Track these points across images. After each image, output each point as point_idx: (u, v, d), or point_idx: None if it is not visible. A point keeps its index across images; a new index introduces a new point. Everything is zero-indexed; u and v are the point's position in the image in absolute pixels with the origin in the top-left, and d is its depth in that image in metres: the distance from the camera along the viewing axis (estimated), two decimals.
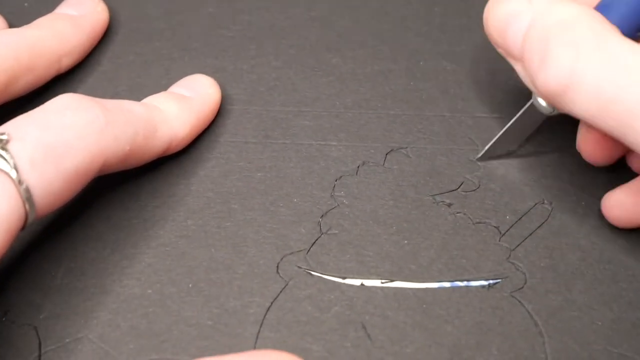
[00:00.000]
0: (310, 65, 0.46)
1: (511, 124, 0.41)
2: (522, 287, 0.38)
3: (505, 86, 0.45)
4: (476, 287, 0.38)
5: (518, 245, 0.39)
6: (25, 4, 0.49)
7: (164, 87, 0.44)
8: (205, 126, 0.44)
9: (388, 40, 0.47)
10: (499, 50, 0.39)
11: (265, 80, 0.46)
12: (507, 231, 0.39)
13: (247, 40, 0.47)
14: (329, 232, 0.40)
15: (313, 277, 0.38)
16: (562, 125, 0.42)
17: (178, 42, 0.47)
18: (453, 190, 0.41)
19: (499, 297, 0.38)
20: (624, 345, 0.36)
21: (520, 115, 0.41)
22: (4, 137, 0.35)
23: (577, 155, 0.42)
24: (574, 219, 0.40)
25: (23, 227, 0.35)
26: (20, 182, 0.34)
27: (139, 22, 0.48)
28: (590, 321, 0.37)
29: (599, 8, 0.36)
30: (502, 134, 0.42)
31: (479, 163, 0.42)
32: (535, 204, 0.40)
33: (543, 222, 0.40)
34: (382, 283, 0.38)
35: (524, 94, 0.42)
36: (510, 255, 0.39)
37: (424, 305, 0.37)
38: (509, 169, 0.42)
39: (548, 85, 0.36)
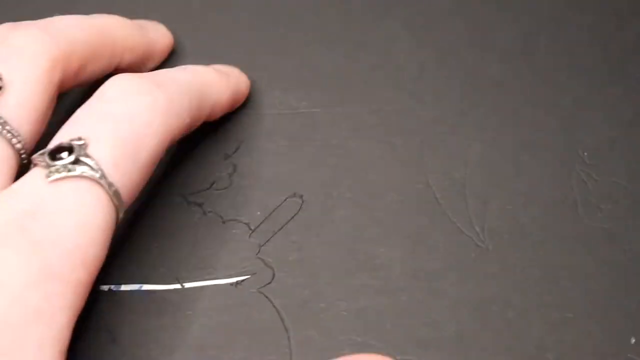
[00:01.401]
0: None
1: None
2: (270, 282, 0.39)
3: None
4: (225, 285, 0.39)
5: (268, 240, 0.40)
6: None
7: None
8: (239, 103, 0.45)
9: None
10: None
11: None
12: (257, 227, 0.40)
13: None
14: None
15: None
16: (315, 119, 0.43)
17: None
18: (205, 190, 0.42)
19: (247, 294, 0.39)
20: (369, 333, 0.38)
21: None
22: (81, 142, 0.34)
23: (332, 148, 0.43)
24: (324, 211, 0.41)
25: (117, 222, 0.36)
26: (109, 185, 0.34)
27: None
28: (337, 312, 0.38)
29: None
30: None
31: (232, 161, 0.42)
32: (286, 198, 0.41)
33: (293, 216, 0.41)
34: (119, 287, 0.38)
35: None
36: (259, 251, 0.40)
37: (172, 307, 0.38)
38: (261, 165, 0.43)
39: None
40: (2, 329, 0.31)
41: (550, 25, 0.50)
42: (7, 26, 0.39)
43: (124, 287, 0.40)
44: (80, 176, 0.34)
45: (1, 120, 0.36)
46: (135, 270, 0.40)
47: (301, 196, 0.43)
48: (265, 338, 0.39)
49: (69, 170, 0.34)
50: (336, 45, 0.49)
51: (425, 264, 0.41)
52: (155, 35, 0.47)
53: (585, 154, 0.45)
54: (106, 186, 0.35)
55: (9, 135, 0.36)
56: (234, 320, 0.39)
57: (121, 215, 0.36)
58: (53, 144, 0.35)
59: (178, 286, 0.40)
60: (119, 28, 0.44)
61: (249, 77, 0.46)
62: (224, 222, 0.42)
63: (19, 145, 0.37)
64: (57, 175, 0.34)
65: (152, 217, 0.42)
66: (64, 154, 0.34)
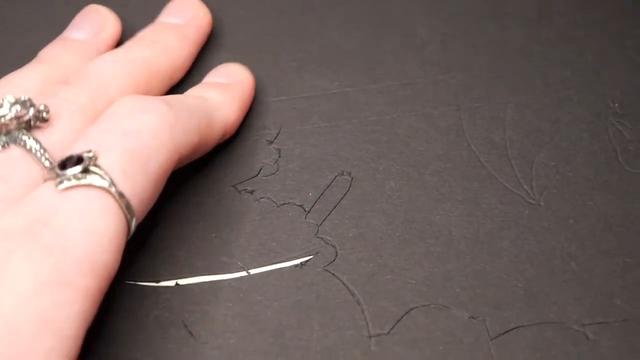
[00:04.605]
0: None
1: None
2: (334, 260, 0.39)
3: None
4: (290, 267, 0.39)
5: (324, 219, 0.41)
6: None
7: None
8: (248, 109, 0.46)
9: None
10: None
11: None
12: (312, 208, 0.41)
13: None
14: (137, 239, 0.40)
15: (127, 285, 0.39)
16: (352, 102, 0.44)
17: None
18: (253, 177, 0.42)
19: (313, 274, 0.39)
20: (439, 298, 0.38)
21: None
22: (91, 154, 0.35)
23: (371, 124, 0.44)
24: (374, 185, 0.42)
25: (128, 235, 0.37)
26: (120, 195, 0.35)
27: None
28: (405, 281, 0.39)
29: None
30: None
31: (274, 146, 0.43)
32: (336, 177, 0.42)
33: (345, 193, 0.42)
34: (186, 281, 0.39)
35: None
36: (318, 231, 0.40)
37: (241, 294, 0.38)
38: (305, 147, 0.43)
39: None
40: (12, 336, 0.31)
41: None
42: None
43: (190, 280, 0.40)
44: (90, 185, 0.35)
45: (42, 150, 0.37)
46: (199, 263, 0.40)
47: (349, 173, 0.44)
48: (339, 314, 0.39)
49: (79, 179, 0.35)
50: (357, 24, 0.50)
51: (482, 226, 0.42)
52: (196, 26, 0.48)
53: (616, 104, 0.46)
54: (115, 195, 0.35)
55: (47, 163, 0.37)
56: (305, 300, 0.40)
57: (133, 226, 0.37)
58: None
59: (244, 273, 0.40)
60: (163, 56, 0.45)
61: (277, 64, 0.47)
62: (278, 207, 0.42)
63: None
64: (66, 184, 0.35)
65: (207, 209, 0.42)
66: (74, 165, 0.35)
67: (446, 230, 0.42)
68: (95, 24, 0.47)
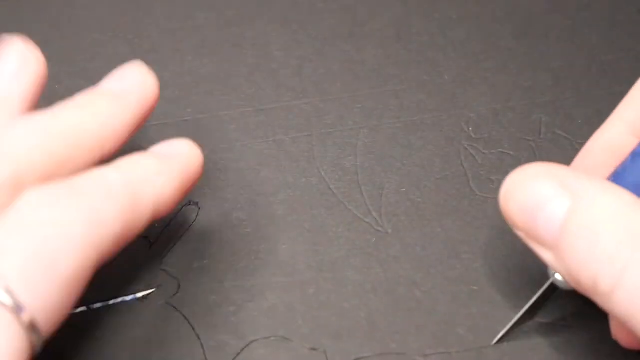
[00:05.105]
0: None
1: (528, 308, 0.40)
2: (177, 293, 0.39)
3: None
4: (131, 301, 0.39)
5: (169, 251, 0.40)
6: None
7: None
8: (193, 185, 0.39)
9: None
10: (519, 233, 0.36)
11: None
12: (157, 239, 0.41)
13: None
14: None
15: None
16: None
17: None
18: None
19: (155, 308, 0.39)
20: (280, 331, 0.39)
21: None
22: None
23: (222, 152, 0.44)
24: (221, 215, 0.42)
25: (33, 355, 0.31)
26: (19, 308, 0.30)
27: None
28: (246, 314, 0.39)
29: (613, 178, 0.36)
30: (519, 318, 0.40)
31: None
32: (182, 207, 0.42)
33: (192, 224, 0.41)
34: None
35: None
36: (162, 263, 0.40)
37: (80, 330, 0.38)
38: None
39: (593, 281, 0.33)
40: None
41: (420, 6, 0.52)
42: None
43: None
44: None
45: None
46: None
47: (197, 203, 0.44)
48: (178, 349, 0.39)
49: None
50: (212, 50, 0.49)
51: (328, 255, 0.42)
52: (139, 93, 0.40)
53: (470, 128, 0.47)
54: (13, 308, 0.30)
55: None
56: (144, 335, 0.39)
57: (39, 344, 0.32)
58: None
59: (84, 308, 0.40)
60: (92, 121, 0.37)
61: None
62: None
63: None
64: None
65: None
66: None
67: (291, 260, 0.42)
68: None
